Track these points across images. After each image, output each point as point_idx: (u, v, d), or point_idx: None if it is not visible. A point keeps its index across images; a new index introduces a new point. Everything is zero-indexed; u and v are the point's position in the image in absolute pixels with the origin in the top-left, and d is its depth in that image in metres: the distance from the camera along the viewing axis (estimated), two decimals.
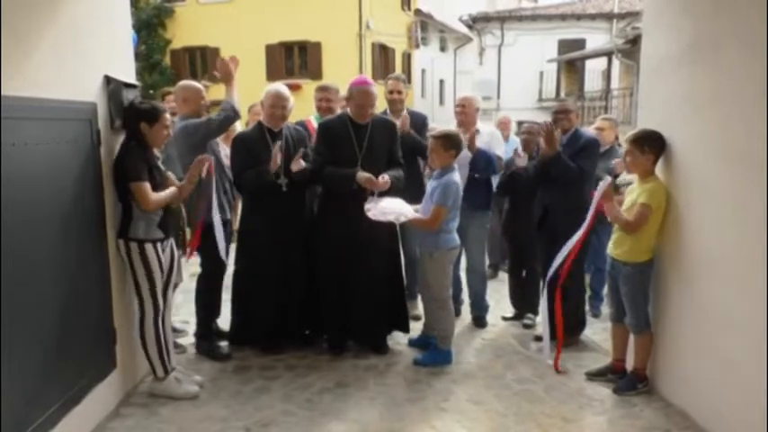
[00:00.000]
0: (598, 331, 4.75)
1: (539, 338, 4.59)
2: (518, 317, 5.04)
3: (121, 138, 3.48)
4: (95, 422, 3.26)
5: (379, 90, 4.31)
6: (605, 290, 4.73)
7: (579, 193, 4.24)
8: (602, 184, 3.72)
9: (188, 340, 4.48)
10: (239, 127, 4.97)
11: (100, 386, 3.29)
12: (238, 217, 4.54)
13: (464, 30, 25.44)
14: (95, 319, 3.27)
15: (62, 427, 2.89)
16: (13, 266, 2.52)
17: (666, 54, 3.60)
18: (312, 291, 4.29)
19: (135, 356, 3.69)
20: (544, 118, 4.75)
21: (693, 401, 3.36)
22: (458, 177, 4.02)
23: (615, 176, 4.84)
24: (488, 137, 4.86)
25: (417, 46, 23.10)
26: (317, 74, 18.35)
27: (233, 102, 4.02)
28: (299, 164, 4.02)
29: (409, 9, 22.88)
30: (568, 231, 4.25)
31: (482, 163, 4.63)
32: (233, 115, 4.03)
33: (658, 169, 3.62)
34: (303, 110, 4.96)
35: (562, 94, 20.36)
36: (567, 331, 4.43)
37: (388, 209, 3.88)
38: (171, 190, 3.51)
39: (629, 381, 3.73)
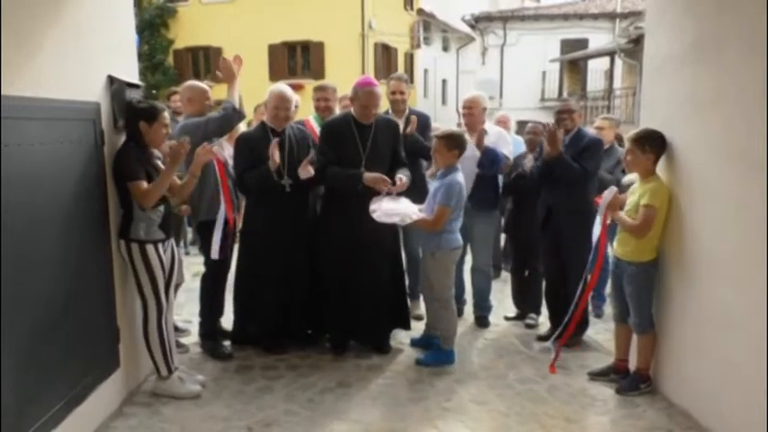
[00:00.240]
0: (601, 331, 4.75)
1: (542, 338, 4.60)
2: (520, 317, 5.04)
3: (124, 138, 3.49)
4: (99, 421, 3.27)
5: (382, 90, 4.31)
6: (607, 289, 4.73)
7: (582, 193, 4.24)
8: (607, 195, 3.72)
9: (190, 340, 4.49)
10: (243, 127, 4.98)
11: (103, 385, 3.30)
12: (241, 217, 4.54)
13: (467, 29, 25.42)
14: (99, 318, 3.28)
15: (65, 425, 2.90)
16: (17, 266, 2.53)
17: (669, 54, 3.60)
18: (315, 291, 4.29)
19: (138, 356, 3.70)
20: (547, 118, 4.76)
21: (696, 402, 3.36)
22: (461, 178, 4.02)
23: (617, 181, 4.84)
24: (496, 137, 4.82)
25: (418, 46, 23.08)
26: (319, 74, 18.36)
27: (234, 102, 4.01)
28: (308, 171, 3.99)
29: (412, 9, 22.87)
30: (571, 231, 4.27)
31: (487, 161, 4.61)
32: (233, 115, 4.01)
33: (661, 169, 3.61)
34: (305, 110, 4.96)
35: (565, 94, 20.32)
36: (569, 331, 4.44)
37: (394, 210, 3.87)
38: (162, 173, 3.41)
39: (631, 381, 3.73)
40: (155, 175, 3.44)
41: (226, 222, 4.02)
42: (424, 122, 4.88)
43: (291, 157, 4.10)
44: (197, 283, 4.35)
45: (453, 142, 3.97)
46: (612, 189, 3.76)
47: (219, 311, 4.43)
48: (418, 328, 4.61)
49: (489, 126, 4.90)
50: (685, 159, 3.44)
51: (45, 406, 2.77)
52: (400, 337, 4.54)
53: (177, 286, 4.27)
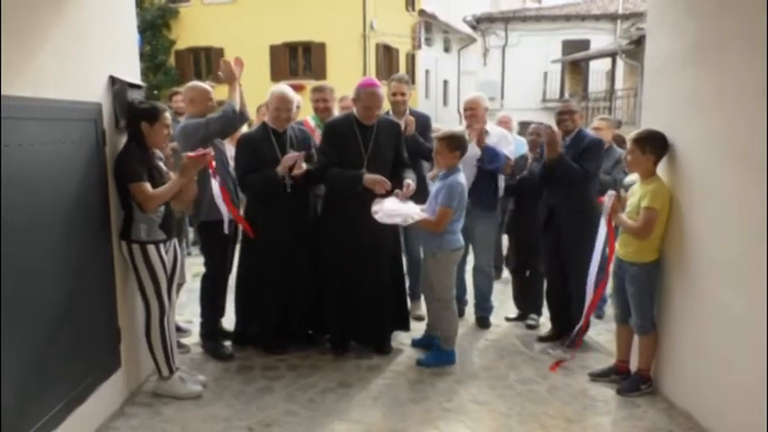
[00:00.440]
0: (602, 332, 4.74)
1: (543, 339, 4.60)
2: (522, 317, 5.04)
3: (126, 138, 3.49)
4: (99, 421, 3.28)
5: (384, 91, 4.31)
6: (608, 290, 4.73)
7: (583, 193, 4.24)
8: (607, 202, 3.72)
9: (191, 340, 4.50)
10: (244, 128, 4.97)
11: (104, 385, 3.30)
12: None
13: (468, 30, 25.43)
14: (100, 318, 3.28)
15: (66, 425, 2.91)
16: (18, 266, 2.53)
17: (670, 55, 3.60)
18: (315, 291, 4.29)
19: (139, 356, 3.70)
20: (548, 119, 4.76)
21: (697, 402, 3.36)
22: (463, 178, 4.02)
23: (615, 181, 4.84)
24: (497, 137, 4.81)
25: (420, 47, 23.09)
26: (320, 74, 18.38)
27: (234, 103, 4.01)
28: (300, 168, 4.02)
29: (413, 10, 22.88)
30: (572, 232, 4.27)
31: (487, 158, 4.59)
32: (233, 116, 4.00)
33: (662, 170, 3.61)
34: (306, 110, 4.96)
35: (566, 95, 20.32)
36: (570, 331, 4.44)
37: (395, 211, 3.86)
38: (172, 181, 3.45)
39: (632, 382, 3.72)
40: (156, 176, 3.44)
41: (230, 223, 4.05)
42: (424, 123, 4.88)
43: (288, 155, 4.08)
44: (198, 284, 4.35)
45: (455, 143, 3.97)
46: (612, 194, 3.76)
47: (220, 312, 4.44)
48: (419, 328, 4.61)
49: (491, 126, 4.90)
50: (686, 160, 3.44)
51: (46, 406, 2.77)
52: (401, 338, 4.54)
53: (179, 286, 4.28)
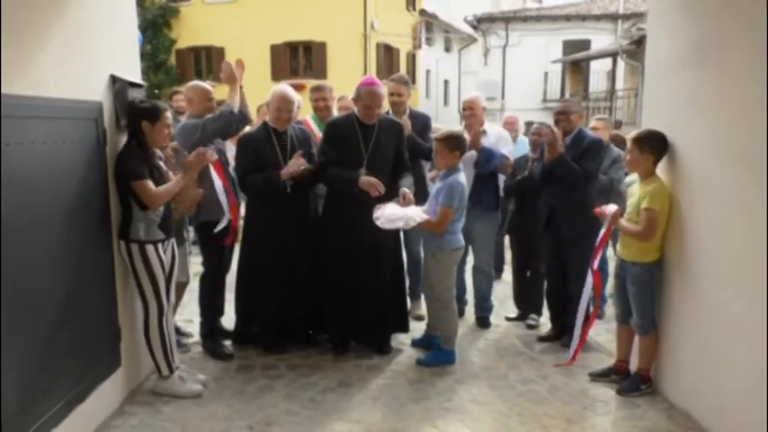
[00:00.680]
0: (601, 332, 4.74)
1: (543, 339, 4.60)
2: (522, 317, 5.04)
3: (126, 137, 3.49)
4: (99, 420, 3.28)
5: (385, 90, 4.32)
6: (608, 290, 4.73)
7: (583, 193, 4.24)
8: (609, 214, 3.71)
9: (192, 340, 4.50)
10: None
11: (104, 384, 3.30)
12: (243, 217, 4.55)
13: (469, 30, 25.42)
14: (100, 317, 3.28)
15: (67, 424, 2.91)
16: (18, 265, 2.54)
17: (671, 55, 3.60)
18: (316, 291, 4.29)
19: (139, 355, 3.70)
20: (548, 119, 4.76)
21: (697, 402, 3.36)
22: (463, 178, 4.02)
23: (611, 181, 4.84)
24: (495, 138, 4.82)
25: (420, 46, 23.09)
26: (321, 74, 18.37)
27: (233, 105, 4.03)
28: (297, 163, 4.00)
29: (414, 9, 22.88)
30: (572, 232, 4.27)
31: (483, 159, 4.60)
32: (230, 118, 4.02)
33: (663, 170, 3.61)
34: (306, 110, 4.96)
35: (567, 95, 20.34)
36: (570, 332, 4.45)
37: (397, 215, 3.85)
38: (175, 179, 3.46)
39: (632, 382, 3.72)
40: (157, 175, 3.44)
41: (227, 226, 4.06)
42: (424, 123, 4.88)
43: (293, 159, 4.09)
44: (197, 284, 4.35)
45: (454, 143, 3.97)
46: (612, 207, 3.74)
47: (219, 311, 4.45)
48: (419, 328, 4.61)
49: (489, 126, 4.90)
50: (687, 160, 3.44)
51: (46, 404, 2.77)
52: (401, 338, 4.53)
53: (184, 286, 4.28)
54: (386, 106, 4.52)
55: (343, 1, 18.78)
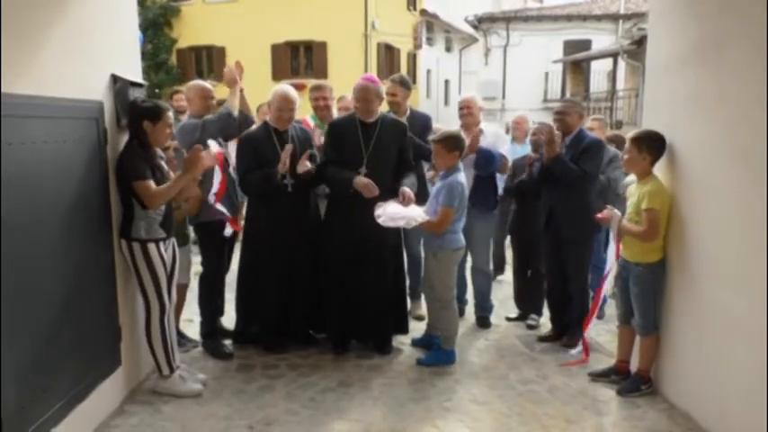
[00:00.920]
0: (602, 332, 4.74)
1: (543, 339, 4.60)
2: (522, 317, 5.05)
3: (127, 137, 3.50)
4: (100, 419, 3.28)
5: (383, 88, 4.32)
6: (608, 290, 4.72)
7: (582, 194, 4.24)
8: (614, 224, 3.71)
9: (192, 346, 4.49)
10: None
11: (105, 383, 3.31)
12: (243, 217, 4.55)
13: (469, 30, 25.41)
14: (100, 316, 3.28)
15: (67, 423, 2.91)
16: (18, 265, 2.54)
17: (672, 55, 3.60)
18: (317, 291, 4.30)
19: (139, 354, 3.71)
20: (549, 119, 4.76)
21: (697, 403, 3.36)
22: (463, 178, 4.02)
23: (608, 180, 4.84)
24: (493, 137, 4.83)
25: (421, 46, 23.08)
26: (322, 74, 18.36)
27: (232, 107, 4.05)
28: (304, 165, 4.02)
29: (415, 9, 22.86)
30: (571, 232, 4.28)
31: (483, 160, 4.62)
32: (228, 120, 4.04)
33: (663, 170, 3.61)
34: (305, 109, 4.96)
35: (567, 95, 20.34)
36: (571, 332, 4.45)
37: (399, 214, 3.85)
38: (176, 178, 3.46)
39: (633, 382, 3.72)
40: (158, 174, 3.45)
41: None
42: (424, 123, 4.87)
43: (294, 156, 4.10)
44: (197, 283, 4.35)
45: (452, 144, 3.97)
46: (617, 214, 3.74)
47: (219, 311, 4.46)
48: (419, 328, 4.62)
49: (486, 126, 4.91)
50: (687, 160, 3.44)
51: (47, 403, 2.78)
52: (401, 338, 4.53)
53: (185, 288, 4.28)
54: (386, 106, 4.53)
55: (343, 1, 18.77)
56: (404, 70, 19.48)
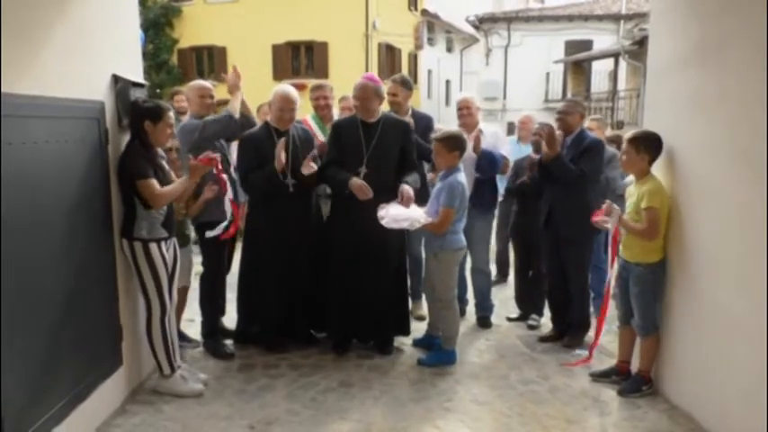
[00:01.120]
0: (602, 332, 4.73)
1: (544, 339, 4.60)
2: (523, 318, 5.04)
3: (128, 137, 3.50)
4: (101, 419, 3.29)
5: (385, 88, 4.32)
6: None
7: (581, 194, 4.23)
8: (612, 221, 3.71)
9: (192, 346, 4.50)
10: None
11: (106, 383, 3.31)
12: (244, 217, 4.55)
13: (471, 30, 25.41)
14: (102, 316, 3.29)
15: (68, 423, 2.91)
16: (19, 265, 2.54)
17: (673, 55, 3.60)
18: (318, 291, 4.30)
19: (140, 354, 3.71)
20: (550, 119, 4.76)
21: (698, 403, 3.36)
22: (463, 178, 4.02)
23: (607, 179, 4.84)
24: (492, 137, 4.86)
25: (422, 46, 23.08)
26: (323, 74, 18.36)
27: (232, 110, 4.06)
28: (309, 167, 4.02)
29: (416, 9, 22.87)
30: (570, 231, 4.28)
31: (485, 163, 4.64)
32: (229, 122, 4.05)
33: (663, 170, 3.61)
34: (305, 109, 4.96)
35: (568, 96, 20.32)
36: (572, 332, 4.45)
37: (402, 216, 3.84)
38: (180, 181, 3.49)
39: (633, 382, 3.72)
40: (160, 174, 3.45)
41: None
42: (426, 124, 4.87)
43: (295, 156, 4.11)
44: (198, 283, 4.36)
45: (453, 143, 3.97)
46: (617, 210, 3.73)
47: (220, 311, 4.46)
48: (420, 328, 4.61)
49: (485, 126, 4.93)
50: (688, 160, 3.44)
51: (48, 403, 2.78)
52: (402, 338, 4.53)
53: (186, 290, 4.28)
54: (387, 106, 4.52)
55: (344, 1, 18.77)
56: (405, 70, 19.48)
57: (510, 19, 23.11)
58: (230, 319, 4.54)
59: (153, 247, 3.42)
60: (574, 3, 24.08)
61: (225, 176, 3.83)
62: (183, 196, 3.74)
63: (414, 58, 22.77)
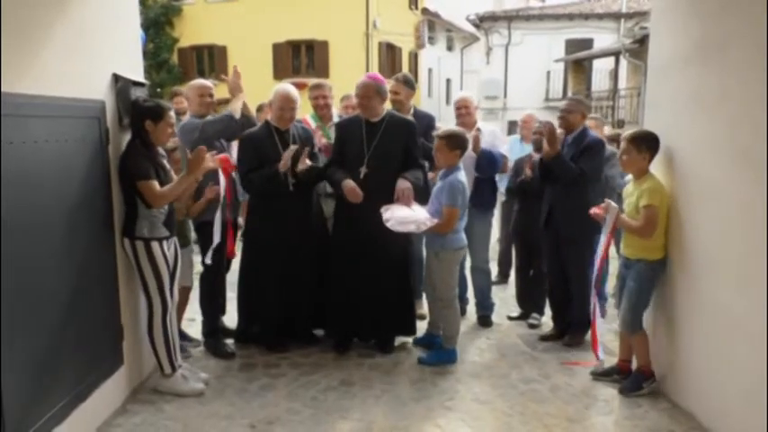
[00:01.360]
0: (603, 332, 4.72)
1: (545, 338, 4.60)
2: (524, 317, 5.04)
3: (129, 136, 3.50)
4: (102, 418, 3.29)
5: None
6: (607, 288, 4.72)
7: (581, 193, 4.22)
8: (610, 219, 3.71)
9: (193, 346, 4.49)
10: None
11: (107, 383, 3.31)
12: (244, 216, 4.56)
13: (471, 29, 25.40)
14: (103, 316, 3.29)
15: (70, 422, 2.92)
16: (20, 265, 2.54)
17: (674, 54, 3.59)
18: (319, 290, 4.29)
19: (141, 353, 3.71)
20: (551, 118, 4.77)
21: (699, 402, 3.36)
22: (463, 176, 4.02)
23: (606, 178, 4.84)
24: (490, 136, 4.88)
25: (423, 45, 23.08)
26: (323, 73, 18.37)
27: (233, 112, 4.06)
28: (303, 163, 4.03)
29: (416, 8, 22.86)
30: (570, 231, 4.28)
31: (485, 163, 4.64)
32: (230, 123, 4.05)
33: (664, 169, 3.61)
34: (305, 109, 4.96)
35: (569, 94, 20.30)
36: (572, 331, 4.45)
37: (408, 218, 3.83)
38: (179, 179, 3.46)
39: (634, 380, 3.71)
40: (161, 173, 3.45)
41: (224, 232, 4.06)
42: (427, 123, 4.87)
43: (295, 155, 4.10)
44: (198, 282, 4.36)
45: (455, 142, 3.97)
46: (614, 207, 3.73)
47: (221, 310, 4.46)
48: (421, 327, 4.60)
49: (483, 125, 4.94)
50: (689, 159, 3.43)
51: (49, 403, 2.78)
52: (403, 337, 4.53)
53: (187, 290, 4.28)
54: (389, 105, 4.52)
55: (345, 0, 18.78)
56: (405, 69, 19.47)
57: (510, 18, 23.10)
58: (231, 318, 4.54)
59: (155, 245, 3.42)
60: (574, 1, 24.07)
61: (226, 182, 3.84)
62: (184, 196, 3.74)
63: (414, 57, 22.77)
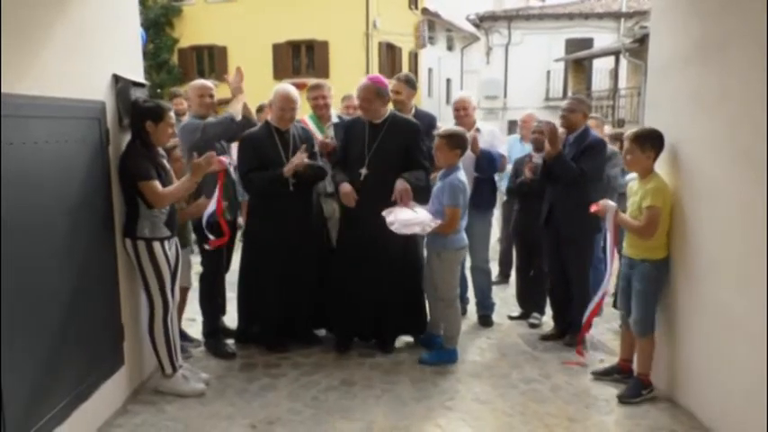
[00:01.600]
0: (604, 331, 4.74)
1: (545, 338, 4.60)
2: (524, 316, 5.04)
3: (129, 137, 3.50)
4: (103, 419, 3.29)
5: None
6: (610, 289, 4.70)
7: (582, 193, 4.20)
8: (609, 216, 3.71)
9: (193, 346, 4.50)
10: None
11: (108, 383, 3.31)
12: (244, 216, 4.56)
13: (471, 29, 25.40)
14: (104, 316, 3.29)
15: (70, 423, 2.92)
16: (20, 265, 2.54)
17: (674, 53, 3.59)
18: (320, 290, 4.29)
19: (142, 354, 3.72)
20: (551, 117, 4.77)
21: (699, 402, 3.36)
22: (463, 176, 4.02)
23: (608, 178, 4.84)
24: (489, 136, 4.88)
25: (423, 45, 23.07)
26: (323, 73, 18.37)
27: (234, 113, 4.07)
28: (299, 158, 4.01)
29: (416, 8, 22.86)
30: (571, 230, 4.27)
31: (485, 163, 4.65)
32: (230, 124, 4.06)
33: (664, 168, 3.60)
34: (306, 109, 4.95)
35: (569, 94, 20.28)
36: (573, 331, 4.45)
37: (412, 221, 3.83)
38: (182, 181, 3.48)
39: (633, 387, 3.66)
40: (162, 174, 3.46)
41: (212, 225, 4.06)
42: (429, 123, 4.87)
43: (295, 155, 4.09)
44: (198, 283, 4.36)
45: (455, 141, 3.98)
46: (613, 205, 3.72)
47: (221, 310, 4.47)
48: None
49: (482, 125, 4.95)
50: (689, 159, 3.43)
51: (50, 403, 2.78)
52: (404, 336, 4.53)
53: (186, 291, 4.28)
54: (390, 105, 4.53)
55: (345, 0, 18.78)
56: (405, 69, 19.46)
57: (510, 17, 23.09)
58: (231, 318, 4.54)
59: (156, 245, 3.43)
60: (574, 1, 24.06)
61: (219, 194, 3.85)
62: (183, 196, 3.73)
63: (414, 57, 22.77)
